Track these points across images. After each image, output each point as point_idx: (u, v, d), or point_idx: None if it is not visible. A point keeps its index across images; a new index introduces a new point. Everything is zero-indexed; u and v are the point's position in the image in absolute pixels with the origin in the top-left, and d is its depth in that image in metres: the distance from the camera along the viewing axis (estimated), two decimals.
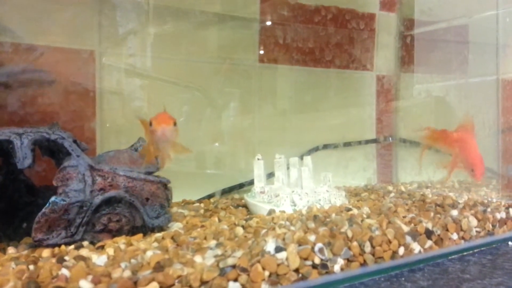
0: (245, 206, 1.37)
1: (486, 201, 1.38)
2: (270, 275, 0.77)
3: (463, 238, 1.11)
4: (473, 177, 1.21)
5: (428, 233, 1.04)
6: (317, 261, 0.84)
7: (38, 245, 0.90)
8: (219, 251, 0.82)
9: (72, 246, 0.89)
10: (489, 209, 1.25)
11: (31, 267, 0.77)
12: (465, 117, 1.30)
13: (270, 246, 0.82)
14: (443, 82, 1.86)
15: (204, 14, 1.52)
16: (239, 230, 1.00)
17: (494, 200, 1.40)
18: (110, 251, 0.86)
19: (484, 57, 1.84)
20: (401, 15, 1.94)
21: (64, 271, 0.74)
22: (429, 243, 1.03)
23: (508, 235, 1.21)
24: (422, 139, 1.41)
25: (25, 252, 0.88)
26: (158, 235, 0.98)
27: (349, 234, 0.93)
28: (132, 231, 1.00)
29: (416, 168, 1.92)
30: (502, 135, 1.70)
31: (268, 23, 1.65)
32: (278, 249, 0.82)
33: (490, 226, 1.19)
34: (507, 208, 1.28)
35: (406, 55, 1.90)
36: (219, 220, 1.15)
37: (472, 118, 1.29)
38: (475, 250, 1.11)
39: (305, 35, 1.71)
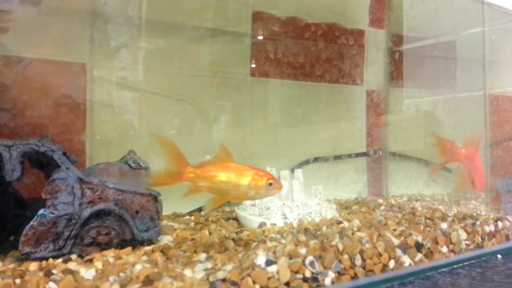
0: (236, 219, 1.36)
1: (475, 214, 1.39)
2: None
3: (452, 251, 1.12)
4: (474, 188, 1.25)
5: (418, 246, 1.04)
6: (308, 274, 0.83)
7: (25, 258, 0.89)
8: (209, 265, 0.82)
9: (60, 260, 0.88)
10: (478, 222, 1.26)
11: (18, 281, 0.76)
12: (474, 132, 1.34)
13: (260, 259, 0.82)
14: (432, 97, 1.89)
15: (196, 29, 1.53)
16: (230, 243, 0.99)
17: (483, 213, 1.41)
18: (98, 264, 0.85)
19: (471, 72, 1.88)
20: (390, 32, 1.97)
21: (52, 285, 0.73)
22: (419, 256, 1.03)
23: (497, 248, 1.21)
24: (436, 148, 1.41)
25: (12, 265, 0.86)
26: (148, 248, 0.97)
27: (340, 247, 0.93)
28: (121, 244, 0.99)
29: (406, 181, 1.94)
30: (490, 149, 1.73)
31: (260, 38, 1.67)
32: (269, 262, 0.81)
33: (479, 239, 1.19)
34: (496, 221, 1.29)
35: (395, 70, 1.93)
36: (210, 233, 1.15)
37: (480, 133, 1.33)
38: (465, 263, 1.11)
39: (296, 50, 1.73)
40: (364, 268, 0.93)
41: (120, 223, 0.98)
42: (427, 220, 1.27)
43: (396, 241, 1.02)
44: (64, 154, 0.98)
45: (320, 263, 0.86)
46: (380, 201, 1.74)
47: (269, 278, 0.78)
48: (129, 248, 0.97)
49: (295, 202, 1.31)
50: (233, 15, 1.64)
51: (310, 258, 0.85)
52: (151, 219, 1.04)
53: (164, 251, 0.94)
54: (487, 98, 1.80)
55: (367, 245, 0.97)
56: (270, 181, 0.85)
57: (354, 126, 1.94)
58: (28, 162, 1.03)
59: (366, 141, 1.95)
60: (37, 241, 0.88)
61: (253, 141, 1.65)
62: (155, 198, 1.06)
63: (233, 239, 1.03)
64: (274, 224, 1.20)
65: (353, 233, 1.06)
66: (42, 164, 1.03)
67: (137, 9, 1.40)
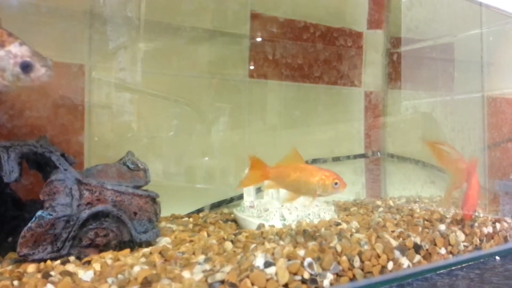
0: (235, 220, 1.36)
1: (473, 215, 1.39)
2: None
3: (451, 252, 1.12)
4: (462, 215, 1.26)
5: (417, 248, 1.04)
6: (306, 276, 0.83)
7: (23, 260, 0.88)
8: (207, 266, 0.81)
9: (58, 261, 0.88)
10: (476, 224, 1.26)
11: (16, 282, 0.76)
12: (472, 158, 1.35)
13: (259, 261, 0.82)
14: (430, 99, 1.89)
15: (195, 30, 1.53)
16: (228, 245, 0.99)
17: (481, 215, 1.41)
18: (96, 266, 0.85)
19: (469, 74, 1.88)
20: (388, 33, 1.97)
21: (50, 287, 0.72)
22: (417, 257, 1.03)
23: (496, 250, 1.22)
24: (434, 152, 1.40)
25: (10, 267, 0.86)
26: (146, 250, 0.97)
27: (338, 248, 0.93)
28: (120, 246, 0.98)
29: (404, 183, 1.94)
30: (487, 150, 1.73)
31: (258, 39, 1.67)
32: (267, 264, 0.81)
33: (478, 241, 1.20)
34: (494, 222, 1.30)
35: (393, 72, 1.94)
36: (208, 235, 1.15)
37: (477, 160, 1.34)
38: (463, 265, 1.11)
39: (294, 51, 1.73)
40: (362, 269, 0.93)
41: (118, 225, 0.98)
42: (425, 222, 1.27)
43: (394, 243, 1.02)
44: (62, 155, 0.98)
45: (318, 264, 0.86)
46: (379, 202, 1.74)
47: (267, 280, 0.78)
48: (127, 250, 0.97)
49: (294, 204, 1.31)
50: (231, 16, 1.64)
51: (308, 259, 0.85)
52: (149, 220, 1.04)
53: (162, 252, 0.94)
54: (485, 100, 1.81)
55: (366, 247, 0.97)
56: (336, 180, 0.93)
57: (352, 127, 1.94)
58: (26, 163, 1.02)
59: (364, 143, 1.95)
60: (35, 243, 0.88)
61: (251, 142, 1.64)
62: (153, 200, 1.06)
63: (231, 241, 1.03)
64: (273, 226, 1.20)
65: (351, 235, 1.06)
66: (40, 165, 1.03)
67: (136, 10, 1.39)
